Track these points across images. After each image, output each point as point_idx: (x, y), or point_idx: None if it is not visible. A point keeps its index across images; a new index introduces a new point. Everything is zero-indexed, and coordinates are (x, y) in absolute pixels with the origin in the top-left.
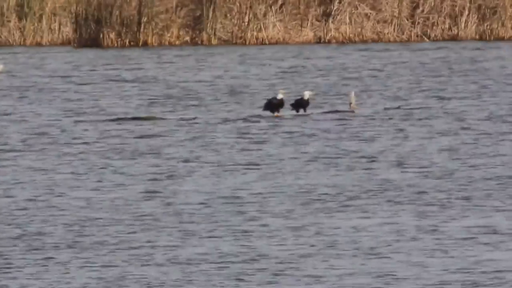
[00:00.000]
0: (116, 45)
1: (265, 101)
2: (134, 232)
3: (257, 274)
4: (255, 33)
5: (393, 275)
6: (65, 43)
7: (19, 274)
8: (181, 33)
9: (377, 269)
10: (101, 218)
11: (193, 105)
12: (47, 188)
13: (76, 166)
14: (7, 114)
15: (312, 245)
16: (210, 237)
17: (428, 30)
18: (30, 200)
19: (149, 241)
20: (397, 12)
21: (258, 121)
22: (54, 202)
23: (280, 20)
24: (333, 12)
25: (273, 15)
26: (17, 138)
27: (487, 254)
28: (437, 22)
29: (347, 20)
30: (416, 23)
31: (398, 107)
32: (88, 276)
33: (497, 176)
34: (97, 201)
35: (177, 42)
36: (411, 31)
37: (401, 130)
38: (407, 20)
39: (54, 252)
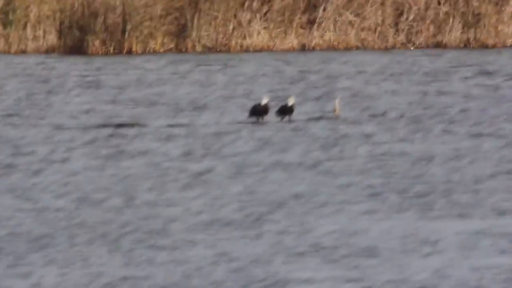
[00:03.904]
0: (100, 52)
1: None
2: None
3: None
4: (239, 41)
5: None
6: (50, 50)
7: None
8: (165, 40)
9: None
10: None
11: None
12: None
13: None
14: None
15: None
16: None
17: (412, 38)
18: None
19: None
20: (381, 19)
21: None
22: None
23: (265, 28)
24: (317, 20)
25: (257, 23)
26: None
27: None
28: (421, 30)
29: (332, 28)
30: (401, 30)
31: (383, 113)
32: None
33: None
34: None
35: (161, 50)
36: (395, 38)
37: (393, 134)
38: (391, 27)
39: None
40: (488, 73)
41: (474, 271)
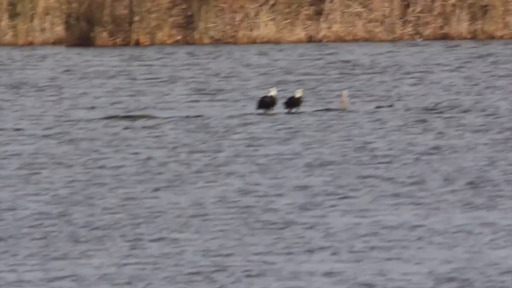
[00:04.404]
0: (107, 44)
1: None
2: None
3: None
4: (246, 32)
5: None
6: (57, 42)
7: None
8: (172, 32)
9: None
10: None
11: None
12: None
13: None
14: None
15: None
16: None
17: (420, 29)
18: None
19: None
20: (389, 11)
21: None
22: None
23: (272, 19)
24: (324, 11)
25: (264, 14)
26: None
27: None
28: (429, 21)
29: (339, 19)
30: (408, 22)
31: (391, 105)
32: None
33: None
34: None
35: (168, 41)
36: (402, 30)
37: (400, 127)
38: (399, 19)
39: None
40: (497, 63)
41: (492, 264)
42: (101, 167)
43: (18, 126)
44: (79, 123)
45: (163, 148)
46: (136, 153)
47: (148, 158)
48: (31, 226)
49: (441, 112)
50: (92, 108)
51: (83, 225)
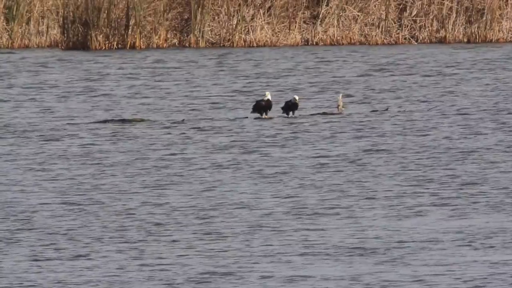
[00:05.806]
0: (103, 47)
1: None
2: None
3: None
4: (243, 36)
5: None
6: (53, 45)
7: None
8: (169, 35)
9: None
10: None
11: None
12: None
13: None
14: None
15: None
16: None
17: (416, 33)
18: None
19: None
20: (385, 14)
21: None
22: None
23: (268, 23)
24: (321, 15)
25: (261, 18)
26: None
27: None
28: (425, 25)
29: (335, 23)
30: (404, 25)
31: (386, 109)
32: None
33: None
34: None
35: (165, 45)
36: (398, 33)
37: (395, 131)
38: (395, 22)
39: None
40: (494, 68)
41: (491, 264)
42: (102, 167)
43: (18, 127)
44: (79, 124)
45: (162, 149)
46: (136, 153)
47: (148, 158)
48: (32, 226)
49: (446, 115)
50: (90, 110)
51: (83, 225)
